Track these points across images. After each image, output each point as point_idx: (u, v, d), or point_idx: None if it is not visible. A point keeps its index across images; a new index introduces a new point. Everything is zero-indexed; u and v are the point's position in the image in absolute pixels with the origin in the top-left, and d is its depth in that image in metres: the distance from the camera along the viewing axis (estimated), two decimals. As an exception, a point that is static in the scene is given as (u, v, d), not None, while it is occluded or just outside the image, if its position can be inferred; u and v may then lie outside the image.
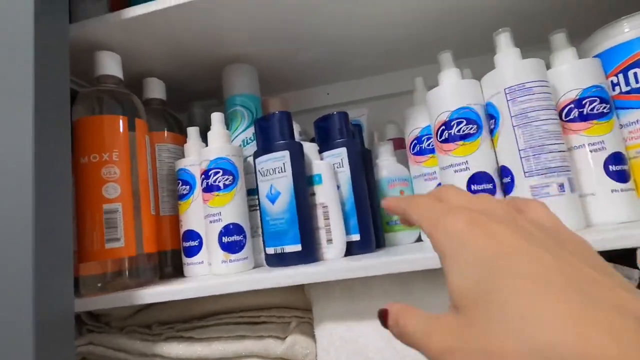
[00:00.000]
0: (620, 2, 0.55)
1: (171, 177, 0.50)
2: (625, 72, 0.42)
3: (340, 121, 0.47)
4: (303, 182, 0.42)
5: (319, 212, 0.43)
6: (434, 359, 0.16)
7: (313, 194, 0.43)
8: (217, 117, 0.46)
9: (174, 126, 0.53)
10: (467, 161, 0.42)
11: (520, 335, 0.13)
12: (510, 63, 0.42)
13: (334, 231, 0.42)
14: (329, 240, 0.42)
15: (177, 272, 0.49)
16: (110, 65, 0.46)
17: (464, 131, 0.43)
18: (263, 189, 0.43)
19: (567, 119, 0.42)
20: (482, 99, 0.44)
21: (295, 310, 0.44)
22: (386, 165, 0.53)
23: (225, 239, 0.42)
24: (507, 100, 0.41)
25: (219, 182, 0.43)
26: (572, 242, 0.17)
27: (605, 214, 0.40)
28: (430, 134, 0.50)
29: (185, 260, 0.46)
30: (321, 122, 0.48)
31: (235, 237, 0.42)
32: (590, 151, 0.41)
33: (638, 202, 0.40)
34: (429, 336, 0.16)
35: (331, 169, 0.44)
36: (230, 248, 0.42)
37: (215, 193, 0.43)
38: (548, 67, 0.44)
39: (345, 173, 0.45)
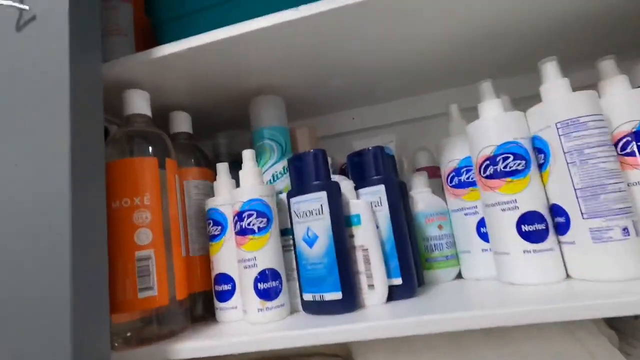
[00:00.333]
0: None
1: (200, 214, 0.49)
2: (685, 101, 0.39)
3: (376, 156, 0.44)
4: (342, 224, 0.40)
5: (359, 255, 0.41)
6: None
7: (352, 236, 0.41)
8: (248, 155, 0.44)
9: (202, 160, 0.52)
10: (515, 199, 0.40)
11: None
12: (560, 96, 0.39)
13: (375, 276, 0.40)
14: (370, 286, 0.40)
15: (208, 313, 0.47)
16: (139, 103, 0.45)
17: (511, 167, 0.40)
18: (299, 231, 0.41)
19: (624, 152, 0.39)
20: (528, 132, 0.42)
21: (336, 357, 0.42)
22: (422, 198, 0.50)
23: (261, 286, 0.40)
24: (560, 135, 0.38)
25: (253, 225, 0.41)
26: None
27: (673, 257, 0.37)
28: (470, 166, 0.47)
29: (218, 304, 0.44)
30: (356, 158, 0.46)
31: (272, 283, 0.40)
32: (652, 188, 0.38)
33: None
34: None
35: (370, 208, 0.42)
36: (267, 295, 0.40)
37: (250, 237, 0.41)
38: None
39: (384, 212, 0.43)
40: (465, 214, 0.47)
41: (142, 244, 0.39)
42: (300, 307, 0.42)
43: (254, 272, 0.40)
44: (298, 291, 0.42)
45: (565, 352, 0.33)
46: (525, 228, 0.39)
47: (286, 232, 0.45)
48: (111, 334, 0.39)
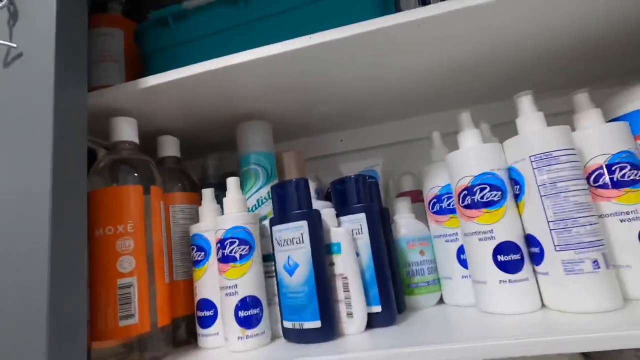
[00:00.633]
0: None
1: (185, 239, 0.49)
2: (655, 135, 0.40)
3: (358, 184, 0.45)
4: (322, 253, 0.41)
5: (339, 283, 0.41)
6: None
7: (332, 264, 0.42)
8: (232, 183, 0.45)
9: (189, 185, 0.52)
10: (492, 229, 0.41)
11: None
12: (535, 130, 0.41)
13: (354, 304, 0.40)
14: (349, 314, 0.40)
15: (192, 337, 0.47)
16: (126, 131, 0.46)
17: (487, 198, 0.41)
18: (280, 260, 0.42)
19: (596, 184, 0.41)
20: (505, 163, 0.43)
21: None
22: (405, 223, 0.51)
23: (241, 313, 0.40)
24: (533, 169, 0.39)
25: (235, 252, 0.42)
26: None
27: (643, 289, 0.37)
28: (450, 193, 0.48)
29: (200, 330, 0.44)
30: (339, 185, 0.47)
31: (252, 311, 0.41)
32: (622, 220, 0.39)
33: (678, 276, 0.38)
34: None
35: (350, 236, 0.42)
36: (247, 323, 0.40)
37: (232, 264, 0.41)
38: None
39: (364, 240, 0.43)
40: (446, 241, 0.48)
41: (124, 272, 0.40)
42: (281, 334, 0.42)
43: (235, 300, 0.41)
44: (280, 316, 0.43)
45: (538, 384, 0.34)
46: (501, 258, 0.40)
47: (269, 258, 0.45)
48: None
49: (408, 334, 0.38)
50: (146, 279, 0.41)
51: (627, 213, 0.39)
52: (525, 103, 0.42)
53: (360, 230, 0.44)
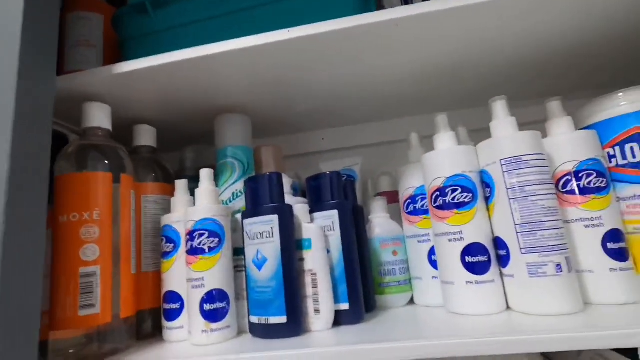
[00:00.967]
0: (616, 74, 0.56)
1: (156, 230, 0.48)
2: (622, 145, 0.42)
3: (333, 182, 0.45)
4: (292, 248, 0.40)
5: (307, 279, 0.41)
6: None
7: (302, 259, 0.42)
8: (205, 174, 0.45)
9: (163, 175, 0.51)
10: (461, 231, 0.41)
11: None
12: (506, 134, 0.41)
13: (321, 301, 0.40)
14: (317, 311, 0.40)
15: (157, 330, 0.46)
16: (98, 117, 0.45)
17: (458, 199, 0.42)
18: (250, 253, 0.41)
19: (564, 190, 0.41)
20: (477, 166, 0.43)
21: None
22: (379, 223, 0.51)
23: (207, 307, 0.40)
24: (503, 172, 0.40)
25: (204, 244, 0.41)
26: None
27: (604, 293, 0.38)
28: (425, 194, 0.49)
29: (165, 323, 0.44)
30: (313, 181, 0.47)
31: (218, 305, 0.40)
32: (587, 226, 0.40)
33: (637, 282, 0.39)
34: None
35: (321, 233, 0.42)
36: (212, 316, 0.40)
37: (200, 256, 0.41)
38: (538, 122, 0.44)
39: (336, 237, 0.43)
40: (419, 241, 0.48)
41: (87, 260, 0.39)
42: (248, 329, 0.42)
43: (201, 293, 0.40)
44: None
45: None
46: (469, 259, 0.40)
47: (240, 252, 0.45)
48: (50, 352, 0.38)
49: (374, 331, 0.38)
50: (110, 268, 0.40)
51: (592, 219, 0.40)
52: (499, 108, 0.43)
53: (332, 227, 0.44)
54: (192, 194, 0.48)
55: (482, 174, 0.43)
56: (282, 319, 0.38)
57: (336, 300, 0.41)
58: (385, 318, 0.43)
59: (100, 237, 0.40)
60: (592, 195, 0.40)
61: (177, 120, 0.58)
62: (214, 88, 0.50)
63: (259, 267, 0.40)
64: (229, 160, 0.52)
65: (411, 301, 0.50)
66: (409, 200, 0.50)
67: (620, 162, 0.42)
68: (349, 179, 0.58)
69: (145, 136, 0.53)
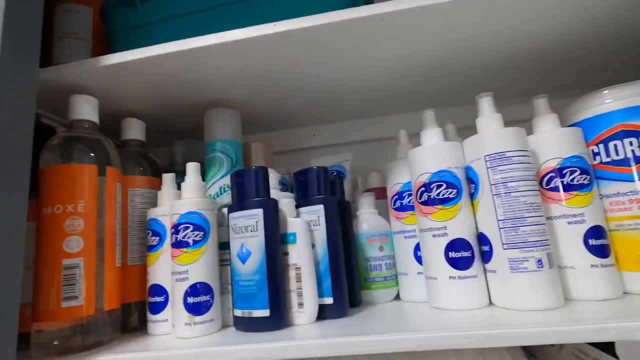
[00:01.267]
0: (605, 73, 0.56)
1: (143, 224, 0.48)
2: (606, 142, 0.42)
3: (319, 176, 0.45)
4: (276, 242, 0.41)
5: (292, 273, 0.41)
6: None
7: (286, 254, 0.42)
8: (191, 168, 0.45)
9: (150, 170, 0.51)
10: (445, 226, 0.41)
11: None
12: (491, 130, 0.41)
13: (305, 295, 0.40)
14: (300, 304, 0.40)
15: (143, 323, 0.46)
16: (84, 109, 0.44)
17: (443, 195, 0.42)
18: (234, 247, 0.41)
19: (548, 187, 0.42)
20: (463, 162, 0.43)
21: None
22: (366, 218, 0.52)
23: (190, 300, 0.40)
24: (487, 168, 0.40)
25: (189, 238, 0.41)
26: None
27: (585, 289, 0.39)
28: (412, 190, 0.49)
29: (150, 317, 0.44)
30: (300, 176, 0.47)
31: (202, 298, 0.40)
32: (570, 223, 0.40)
33: (618, 278, 0.39)
34: None
35: (307, 227, 0.42)
36: (196, 309, 0.40)
37: (184, 250, 0.41)
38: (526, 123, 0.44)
39: (321, 232, 0.43)
40: (405, 237, 0.49)
41: (71, 252, 0.39)
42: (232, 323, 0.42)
43: (184, 286, 0.40)
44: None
45: (476, 379, 0.34)
46: (452, 254, 0.40)
47: (227, 246, 0.45)
48: (33, 345, 0.38)
49: (357, 325, 0.38)
50: (94, 261, 0.40)
51: (575, 216, 0.40)
52: (485, 104, 0.43)
53: (317, 222, 0.44)
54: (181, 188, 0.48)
55: (468, 170, 0.43)
56: (265, 313, 0.38)
57: (320, 294, 0.42)
58: (369, 313, 0.44)
59: (84, 229, 0.40)
60: (575, 192, 0.40)
61: (166, 114, 0.58)
62: (202, 81, 0.50)
63: (243, 261, 0.40)
64: (217, 155, 0.52)
65: (397, 297, 0.50)
66: (396, 196, 0.50)
67: (604, 159, 0.42)
68: (339, 174, 0.58)
69: (134, 130, 0.52)
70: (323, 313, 0.41)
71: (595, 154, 0.43)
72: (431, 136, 0.45)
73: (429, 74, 0.54)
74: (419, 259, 0.47)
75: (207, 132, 0.53)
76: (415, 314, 0.41)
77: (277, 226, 0.41)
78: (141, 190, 0.50)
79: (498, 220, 0.39)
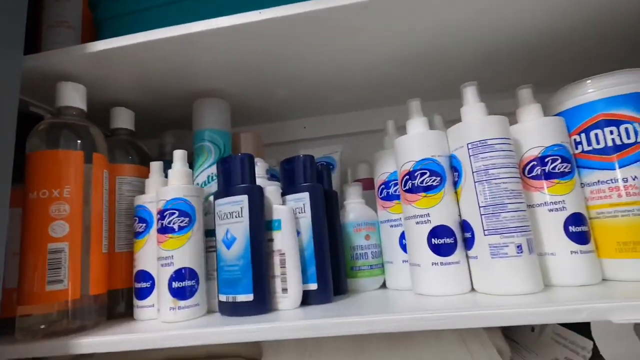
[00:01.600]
0: (590, 60, 0.57)
1: (130, 212, 0.49)
2: (587, 132, 0.42)
3: (305, 164, 0.46)
4: (261, 228, 0.41)
5: (276, 259, 0.42)
6: None
7: (271, 240, 0.42)
8: (178, 155, 0.45)
9: (139, 158, 0.52)
10: (429, 213, 0.42)
11: None
12: (474, 118, 0.42)
13: (289, 280, 0.41)
14: (284, 290, 0.41)
15: (130, 311, 0.46)
16: (72, 96, 0.45)
17: (427, 183, 0.42)
18: (220, 233, 0.42)
19: (530, 175, 0.42)
20: (447, 151, 0.44)
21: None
22: (353, 208, 0.52)
23: (175, 284, 0.40)
24: (470, 155, 0.40)
25: (174, 223, 0.41)
26: None
27: (565, 275, 0.39)
28: (397, 180, 0.49)
29: (136, 302, 0.44)
30: (286, 164, 0.47)
31: (187, 283, 0.40)
32: (550, 210, 0.41)
33: (597, 265, 0.40)
34: None
35: (292, 214, 0.43)
36: (181, 294, 0.40)
37: (169, 235, 0.41)
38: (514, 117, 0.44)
39: (306, 219, 0.44)
40: (391, 226, 0.49)
41: (56, 236, 0.39)
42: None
43: (169, 271, 0.40)
44: (217, 292, 0.43)
45: (453, 357, 0.35)
46: (435, 241, 0.41)
47: (213, 234, 0.45)
48: (18, 329, 0.38)
49: (340, 310, 0.39)
50: (80, 246, 0.40)
51: (555, 203, 0.40)
52: (469, 93, 0.44)
53: (303, 209, 0.44)
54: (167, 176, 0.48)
55: (452, 158, 0.43)
56: (249, 297, 0.39)
57: (305, 280, 0.42)
58: (354, 299, 0.44)
59: (70, 214, 0.40)
60: (556, 180, 0.41)
61: (155, 104, 0.58)
62: (190, 70, 0.50)
63: (228, 247, 0.41)
64: (205, 144, 0.52)
65: (384, 286, 0.51)
66: (383, 186, 0.51)
67: (586, 148, 0.42)
68: (327, 165, 0.58)
69: (123, 118, 0.53)
70: (307, 299, 0.42)
71: (577, 143, 0.43)
72: (416, 125, 0.45)
73: (417, 66, 0.55)
74: (404, 247, 0.47)
75: (195, 122, 0.54)
76: (398, 300, 0.41)
77: (262, 212, 0.41)
78: (129, 178, 0.50)
79: (480, 207, 0.39)
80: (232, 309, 0.40)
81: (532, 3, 0.42)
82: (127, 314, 0.46)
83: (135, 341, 0.36)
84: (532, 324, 0.32)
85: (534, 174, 0.42)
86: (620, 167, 0.40)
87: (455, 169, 0.43)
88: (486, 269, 0.38)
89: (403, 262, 0.47)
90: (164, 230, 0.41)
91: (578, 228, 0.40)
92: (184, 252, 0.41)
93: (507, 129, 0.41)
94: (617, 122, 0.41)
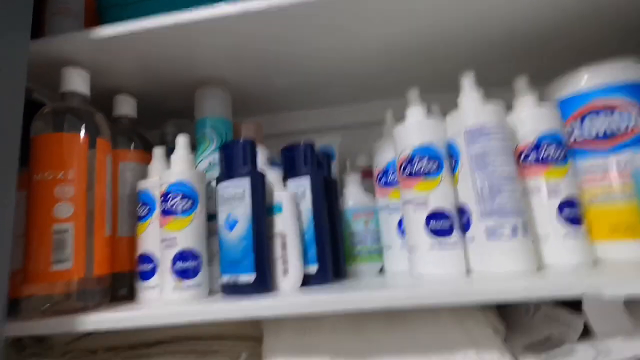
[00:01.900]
0: (587, 50, 0.58)
1: (133, 197, 0.49)
2: (581, 119, 0.43)
3: (306, 151, 0.47)
4: (262, 211, 0.42)
5: (277, 242, 0.42)
6: None
7: (272, 223, 0.43)
8: (181, 141, 0.46)
9: (142, 145, 0.52)
10: (426, 197, 0.43)
11: None
12: (471, 105, 0.43)
13: (290, 262, 0.42)
14: (285, 271, 0.42)
15: (133, 294, 0.47)
16: (76, 82, 0.45)
17: (425, 168, 0.43)
18: (222, 216, 0.43)
19: (526, 161, 0.43)
20: (445, 137, 0.45)
21: (249, 340, 0.43)
22: (353, 195, 0.53)
23: (178, 265, 0.41)
24: (467, 142, 0.42)
25: (177, 206, 0.42)
26: None
27: (559, 256, 0.40)
28: (396, 168, 0.50)
29: (140, 284, 0.45)
30: (287, 151, 0.48)
31: (190, 264, 0.41)
32: (545, 195, 0.42)
33: (589, 247, 0.41)
34: None
35: (293, 199, 0.44)
36: (184, 274, 0.41)
37: (172, 217, 0.42)
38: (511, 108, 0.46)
39: (307, 203, 0.45)
40: (390, 212, 0.50)
41: (61, 217, 0.40)
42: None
43: (173, 252, 0.41)
44: (219, 275, 0.44)
45: (452, 339, 0.36)
46: (432, 224, 0.42)
47: (215, 218, 0.46)
48: (24, 307, 0.39)
49: (338, 289, 0.39)
50: (84, 227, 0.41)
51: (550, 188, 0.42)
52: (467, 82, 0.45)
53: (303, 194, 0.45)
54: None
55: (449, 144, 0.44)
56: (251, 277, 0.40)
57: (305, 262, 0.43)
58: (353, 282, 0.45)
59: (74, 196, 0.41)
60: (551, 166, 0.42)
61: (158, 92, 0.59)
62: (193, 58, 0.51)
63: (230, 229, 0.41)
64: (207, 132, 0.53)
65: (382, 271, 0.51)
66: (382, 174, 0.52)
67: (579, 135, 0.43)
68: (327, 155, 0.59)
69: (126, 106, 0.53)
70: (308, 280, 0.43)
71: (572, 131, 0.44)
72: (415, 113, 0.46)
73: (416, 58, 0.56)
74: (402, 233, 0.48)
75: (197, 110, 0.55)
76: (396, 281, 0.42)
77: (263, 196, 0.42)
78: (132, 164, 0.51)
79: (476, 191, 0.40)
80: (234, 289, 0.40)
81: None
82: (130, 297, 0.47)
83: (139, 318, 0.36)
84: (526, 300, 0.33)
85: (529, 160, 0.43)
86: (612, 153, 0.41)
87: (453, 154, 0.44)
88: (482, 250, 0.40)
89: (401, 247, 0.48)
90: (166, 212, 0.42)
91: (571, 211, 0.41)
92: (186, 233, 0.42)
93: (503, 117, 0.42)
94: (609, 110, 0.42)
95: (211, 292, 0.44)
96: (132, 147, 0.51)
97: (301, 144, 0.47)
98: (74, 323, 0.37)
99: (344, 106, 0.71)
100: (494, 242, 0.39)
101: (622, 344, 0.31)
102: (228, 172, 0.43)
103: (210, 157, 0.52)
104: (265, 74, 0.58)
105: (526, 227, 0.39)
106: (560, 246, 0.40)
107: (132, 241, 0.48)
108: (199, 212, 0.43)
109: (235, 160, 0.44)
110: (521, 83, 0.47)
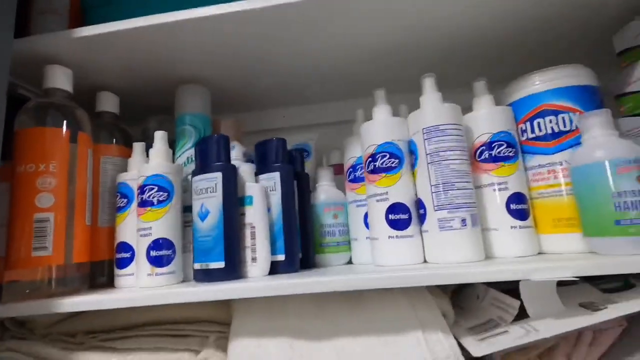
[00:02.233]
0: (542, 56, 0.61)
1: (113, 190, 0.52)
2: (532, 120, 0.47)
3: (277, 147, 0.50)
4: (233, 202, 0.45)
5: (247, 232, 0.45)
6: None
7: (243, 214, 0.46)
8: (159, 136, 0.48)
9: (123, 140, 0.55)
10: (387, 192, 0.46)
11: None
12: (430, 106, 0.46)
13: (258, 251, 0.44)
14: (254, 259, 0.45)
15: (111, 282, 0.50)
16: (58, 78, 0.48)
17: (386, 164, 0.46)
18: (195, 207, 0.45)
19: (480, 159, 0.47)
20: (407, 135, 0.48)
21: (219, 324, 0.46)
22: (324, 190, 0.56)
23: (153, 253, 0.44)
24: (424, 139, 0.45)
25: (153, 197, 0.45)
26: None
27: (505, 247, 0.44)
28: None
29: (117, 271, 0.47)
30: (260, 146, 0.51)
31: (164, 252, 0.44)
32: (496, 190, 0.45)
33: (535, 239, 0.44)
34: None
35: (263, 191, 0.47)
36: (157, 262, 0.44)
37: (149, 208, 0.45)
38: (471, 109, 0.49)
39: (277, 196, 0.48)
40: (357, 206, 0.53)
41: (42, 207, 0.42)
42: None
43: (148, 240, 0.44)
44: (193, 263, 0.46)
45: (404, 321, 0.39)
46: (392, 217, 0.45)
47: (191, 210, 0.49)
48: (5, 292, 0.41)
49: (304, 277, 0.43)
50: (65, 217, 0.44)
51: (500, 183, 0.45)
52: (427, 83, 0.48)
53: (274, 187, 0.48)
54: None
55: (410, 142, 0.48)
56: (221, 264, 0.43)
57: (273, 252, 0.46)
58: (319, 270, 0.48)
59: (55, 187, 0.43)
60: (502, 163, 0.45)
61: (140, 90, 0.61)
62: (175, 58, 0.53)
63: (202, 219, 0.44)
64: (186, 127, 0.55)
65: (350, 262, 0.55)
66: (351, 169, 0.55)
67: (530, 135, 0.47)
68: (303, 151, 0.62)
69: (108, 102, 0.56)
70: (276, 268, 0.46)
71: (523, 131, 0.48)
72: (380, 112, 0.49)
73: (394, 56, 0.59)
74: (368, 225, 0.51)
75: (177, 106, 0.57)
76: (358, 269, 0.45)
77: (234, 188, 0.45)
78: (113, 158, 0.53)
79: (431, 186, 0.44)
80: (205, 275, 0.43)
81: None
82: (109, 285, 0.50)
83: (115, 300, 0.39)
84: (466, 282, 0.36)
85: (483, 157, 0.46)
86: (556, 152, 0.44)
87: (413, 152, 0.47)
88: (435, 240, 0.43)
89: (367, 238, 0.51)
90: (143, 203, 0.45)
91: (518, 206, 0.44)
92: (161, 223, 0.44)
93: (459, 116, 0.45)
94: (556, 112, 0.45)
95: (188, 280, 0.47)
96: (113, 141, 0.54)
97: (273, 139, 0.50)
98: (53, 305, 0.40)
99: (322, 104, 0.74)
100: (446, 233, 0.42)
101: (548, 324, 0.34)
102: (202, 166, 0.46)
103: (189, 151, 0.55)
104: (246, 74, 0.60)
105: (475, 219, 0.42)
106: (507, 238, 0.44)
107: (112, 231, 0.50)
108: (175, 204, 0.46)
109: (209, 155, 0.46)
110: (479, 86, 0.50)
